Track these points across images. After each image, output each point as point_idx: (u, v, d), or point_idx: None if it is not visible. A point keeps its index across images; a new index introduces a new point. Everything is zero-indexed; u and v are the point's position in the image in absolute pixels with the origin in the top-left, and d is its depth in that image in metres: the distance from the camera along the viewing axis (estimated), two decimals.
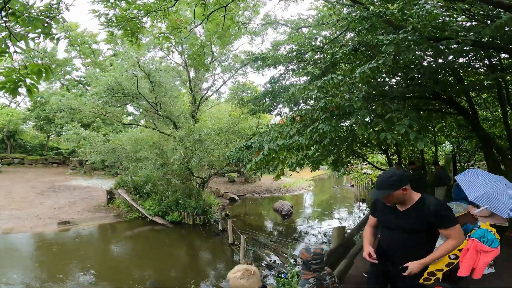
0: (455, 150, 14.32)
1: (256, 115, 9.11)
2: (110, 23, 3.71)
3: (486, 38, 4.75)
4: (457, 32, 4.14)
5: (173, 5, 4.31)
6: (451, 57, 5.93)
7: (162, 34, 4.61)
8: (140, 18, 3.93)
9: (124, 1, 3.64)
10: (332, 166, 8.33)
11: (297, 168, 4.86)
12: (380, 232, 2.32)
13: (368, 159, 17.49)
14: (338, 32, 6.82)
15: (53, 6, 2.53)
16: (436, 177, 8.24)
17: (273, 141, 4.40)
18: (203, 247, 9.20)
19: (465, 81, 7.85)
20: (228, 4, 4.97)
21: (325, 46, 6.75)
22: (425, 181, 8.53)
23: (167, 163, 10.51)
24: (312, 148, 4.53)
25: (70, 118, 13.04)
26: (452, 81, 7.29)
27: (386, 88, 7.34)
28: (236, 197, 18.69)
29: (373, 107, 3.91)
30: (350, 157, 9.96)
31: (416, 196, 2.05)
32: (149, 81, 10.44)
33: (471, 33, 4.28)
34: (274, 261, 7.40)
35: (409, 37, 3.77)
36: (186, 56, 12.53)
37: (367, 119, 3.69)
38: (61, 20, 2.55)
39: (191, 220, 11.39)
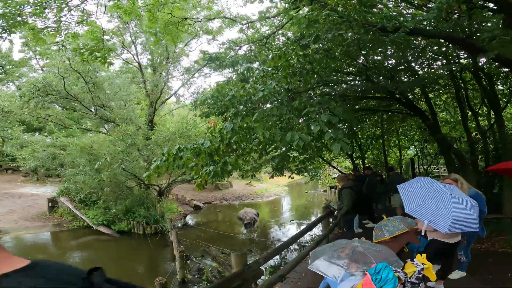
0: (418, 154, 14.42)
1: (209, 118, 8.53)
2: None
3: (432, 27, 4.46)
4: (391, 18, 3.76)
5: None
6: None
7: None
8: None
9: None
10: (274, 171, 7.83)
11: (226, 177, 4.33)
12: None
13: (337, 164, 17.42)
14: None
15: None
16: (391, 183, 7.94)
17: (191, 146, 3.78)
18: (144, 259, 8.24)
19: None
20: None
21: (268, 39, 6.34)
22: (378, 187, 8.21)
23: (99, 169, 9.51)
24: (231, 153, 3.94)
25: (7, 121, 11.61)
26: (408, 79, 7.06)
27: (338, 87, 7.02)
28: (202, 205, 17.76)
29: (292, 100, 3.39)
30: (299, 162, 9.54)
31: None
32: (84, 81, 9.47)
33: (409, 19, 3.94)
34: (215, 276, 6.67)
35: (335, 17, 3.33)
36: (139, 54, 11.71)
37: (275, 113, 3.13)
38: None
39: (141, 229, 10.38)
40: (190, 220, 14.13)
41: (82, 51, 3.96)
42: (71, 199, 11.68)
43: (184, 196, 19.72)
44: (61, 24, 4.20)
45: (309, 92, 4.22)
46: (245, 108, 3.41)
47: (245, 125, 3.48)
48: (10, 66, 23.68)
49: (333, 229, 5.49)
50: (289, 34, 6.58)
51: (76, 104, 10.44)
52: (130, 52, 12.26)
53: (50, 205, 11.94)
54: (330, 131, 2.67)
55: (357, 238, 2.46)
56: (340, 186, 6.58)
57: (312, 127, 2.77)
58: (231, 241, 10.04)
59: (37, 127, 20.30)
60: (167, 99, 14.85)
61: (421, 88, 7.86)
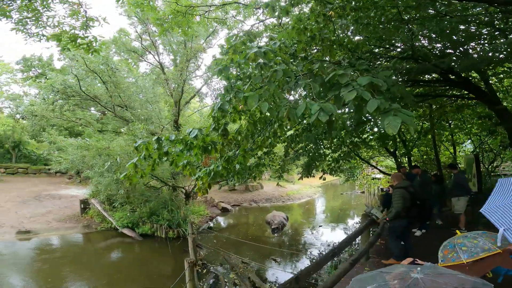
0: (477, 150, 12.07)
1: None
2: None
3: None
4: None
5: None
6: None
7: None
8: None
9: None
10: (303, 171, 6.71)
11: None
12: None
13: (377, 163, 15.57)
14: None
15: None
16: (454, 184, 6.39)
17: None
18: (159, 264, 7.73)
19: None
20: None
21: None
22: (431, 188, 6.71)
23: (110, 170, 9.26)
24: (234, 147, 3.08)
25: (41, 126, 12.19)
26: (460, 56, 5.51)
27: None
28: (230, 207, 17.19)
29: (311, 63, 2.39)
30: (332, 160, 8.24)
31: None
32: (102, 81, 9.37)
33: None
34: None
35: None
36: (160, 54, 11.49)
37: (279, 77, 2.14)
38: None
39: (163, 233, 10.04)
40: (216, 223, 13.59)
41: (61, 37, 3.44)
42: (101, 201, 11.84)
43: (213, 198, 19.41)
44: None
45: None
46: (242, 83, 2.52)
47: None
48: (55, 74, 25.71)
49: (375, 243, 4.31)
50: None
51: (96, 104, 10.49)
52: (151, 53, 12.16)
53: (82, 206, 12.27)
54: (375, 98, 1.62)
55: (415, 261, 1.92)
56: (390, 187, 5.36)
57: (343, 96, 1.74)
58: (256, 247, 9.18)
59: (77, 131, 21.65)
60: (190, 98, 14.57)
61: (480, 72, 6.17)
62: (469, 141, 13.39)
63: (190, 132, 2.53)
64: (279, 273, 7.05)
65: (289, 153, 6.17)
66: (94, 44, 3.77)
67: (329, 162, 8.45)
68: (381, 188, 5.50)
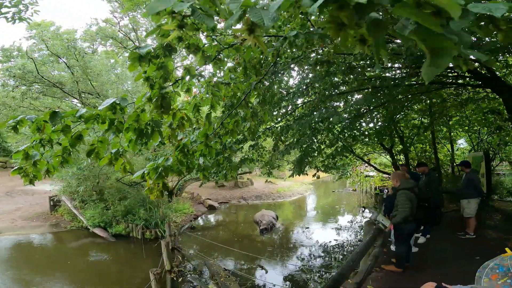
0: (475, 148, 11.49)
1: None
2: None
3: None
4: None
5: None
6: None
7: None
8: None
9: None
10: (295, 168, 5.87)
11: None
12: None
13: (369, 160, 14.95)
14: None
15: None
16: (466, 184, 5.69)
17: None
18: (129, 270, 6.79)
19: None
20: None
21: None
22: (439, 187, 6.08)
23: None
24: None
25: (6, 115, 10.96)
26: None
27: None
28: (217, 205, 16.30)
29: None
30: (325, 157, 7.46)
31: None
32: (67, 65, 8.29)
33: None
34: None
35: None
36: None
37: None
38: None
39: (139, 233, 9.09)
40: (201, 222, 12.70)
41: None
42: (72, 198, 10.77)
43: (200, 195, 18.48)
44: None
45: None
46: None
47: None
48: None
49: (376, 260, 3.52)
50: None
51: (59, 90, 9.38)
52: (131, 39, 11.11)
53: (51, 203, 11.17)
54: None
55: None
56: (391, 188, 4.61)
57: None
58: (243, 250, 8.38)
59: None
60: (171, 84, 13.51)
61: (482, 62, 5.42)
62: (463, 139, 12.93)
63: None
64: (267, 277, 6.29)
65: (279, 146, 5.32)
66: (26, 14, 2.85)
67: (323, 159, 7.69)
68: (379, 189, 4.67)
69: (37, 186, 11.25)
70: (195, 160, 2.22)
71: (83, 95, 10.45)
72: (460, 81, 6.66)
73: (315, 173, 8.06)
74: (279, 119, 6.55)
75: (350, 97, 5.81)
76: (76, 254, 7.79)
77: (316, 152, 5.90)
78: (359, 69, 4.12)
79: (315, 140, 5.91)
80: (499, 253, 1.31)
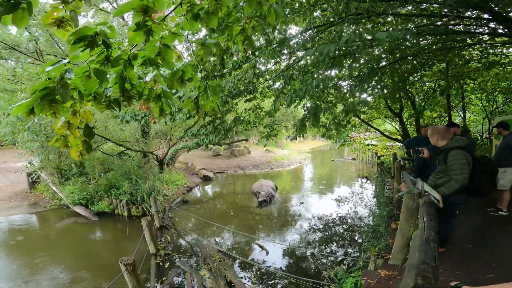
0: (489, 115, 10.50)
1: None
2: None
3: None
4: None
5: None
6: None
7: None
8: None
9: None
10: (298, 128, 4.75)
11: None
12: None
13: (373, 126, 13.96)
14: None
15: None
16: (503, 149, 4.76)
17: None
18: (109, 255, 6.01)
19: None
20: None
21: None
22: (474, 148, 5.18)
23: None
24: None
25: None
26: None
27: None
28: (212, 175, 15.54)
29: None
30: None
31: None
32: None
33: None
34: None
35: None
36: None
37: None
38: None
39: (125, 210, 8.26)
40: (195, 194, 11.96)
41: None
42: (50, 172, 9.77)
43: (194, 165, 17.66)
44: None
45: None
46: None
47: None
48: None
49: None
50: None
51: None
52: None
53: (30, 180, 10.19)
54: None
55: None
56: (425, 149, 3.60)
57: None
58: (238, 225, 7.68)
59: None
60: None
61: None
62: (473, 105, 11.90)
63: None
64: (267, 258, 5.59)
65: (281, 102, 4.18)
66: None
67: (336, 115, 6.55)
68: (417, 149, 3.54)
69: (21, 163, 10.09)
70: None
71: (50, 57, 8.91)
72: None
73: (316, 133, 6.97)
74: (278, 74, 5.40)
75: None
76: (52, 240, 6.94)
77: (330, 104, 4.67)
78: None
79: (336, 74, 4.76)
80: None
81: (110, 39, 1.56)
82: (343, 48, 2.53)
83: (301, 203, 9.79)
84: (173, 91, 3.45)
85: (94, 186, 8.61)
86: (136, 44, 1.67)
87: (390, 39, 2.41)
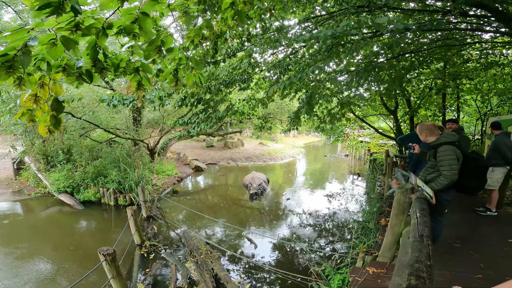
0: (482, 116, 10.60)
1: None
2: None
3: None
4: None
5: None
6: None
7: None
8: None
9: None
10: (291, 121, 4.63)
11: None
12: None
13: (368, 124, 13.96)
14: None
15: None
16: (492, 148, 4.74)
17: None
18: (89, 246, 5.83)
19: None
20: None
21: None
22: (468, 145, 5.16)
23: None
24: None
25: None
26: None
27: None
28: (204, 166, 15.37)
29: None
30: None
31: None
32: None
33: None
34: None
35: None
36: None
37: None
38: None
39: (111, 199, 8.06)
40: (185, 185, 11.80)
41: None
42: (37, 159, 9.45)
43: (186, 155, 17.45)
44: None
45: None
46: None
47: None
48: None
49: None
50: None
51: None
52: None
53: (15, 167, 9.84)
54: None
55: None
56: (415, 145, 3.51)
57: None
58: (228, 217, 7.59)
59: None
60: None
61: None
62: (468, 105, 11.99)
63: None
64: (256, 252, 5.52)
65: (274, 89, 4.03)
66: None
67: (332, 107, 6.43)
68: (408, 146, 3.42)
69: (6, 149, 9.65)
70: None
71: None
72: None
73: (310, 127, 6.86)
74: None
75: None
76: (35, 229, 6.69)
77: (327, 95, 4.50)
78: None
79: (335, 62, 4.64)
80: None
81: (81, 6, 1.39)
82: (340, 34, 2.39)
83: (287, 199, 9.67)
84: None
85: (81, 174, 8.36)
86: (114, 12, 1.50)
87: (391, 25, 2.28)
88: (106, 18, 1.53)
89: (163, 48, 1.42)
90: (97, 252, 3.24)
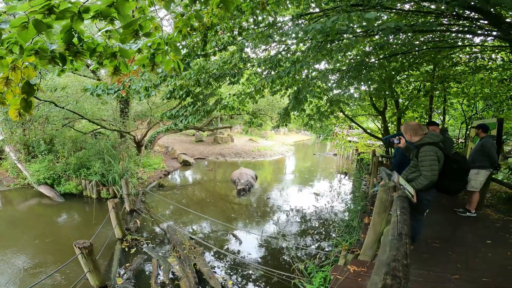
0: (466, 120, 10.88)
1: None
2: None
3: None
4: None
5: None
6: None
7: None
8: None
9: None
10: (281, 118, 4.61)
11: None
12: None
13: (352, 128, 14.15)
14: None
15: None
16: (478, 150, 4.84)
17: None
18: (71, 239, 5.67)
19: None
20: None
21: None
22: (452, 147, 5.27)
23: None
24: None
25: None
26: None
27: None
28: (192, 161, 15.20)
29: None
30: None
31: None
32: None
33: None
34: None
35: None
36: None
37: None
38: None
39: (93, 192, 7.83)
40: (171, 179, 11.63)
41: None
42: (17, 149, 9.07)
43: (175, 149, 17.21)
44: None
45: None
46: None
47: None
48: None
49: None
50: None
51: None
52: None
53: None
54: None
55: None
56: (401, 143, 3.51)
57: None
58: (214, 214, 7.53)
59: None
60: None
61: None
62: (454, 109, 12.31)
63: None
64: (240, 248, 5.49)
65: (263, 83, 3.97)
66: None
67: (321, 105, 6.42)
68: (391, 141, 3.36)
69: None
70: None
71: None
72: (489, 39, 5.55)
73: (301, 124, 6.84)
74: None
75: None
76: (13, 222, 6.42)
77: (316, 92, 4.47)
78: None
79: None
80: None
81: None
82: (330, 29, 2.35)
83: (267, 198, 9.48)
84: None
85: (63, 165, 8.08)
86: None
87: (379, 20, 2.26)
88: (84, 2, 1.46)
89: (140, 32, 1.35)
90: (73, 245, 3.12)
